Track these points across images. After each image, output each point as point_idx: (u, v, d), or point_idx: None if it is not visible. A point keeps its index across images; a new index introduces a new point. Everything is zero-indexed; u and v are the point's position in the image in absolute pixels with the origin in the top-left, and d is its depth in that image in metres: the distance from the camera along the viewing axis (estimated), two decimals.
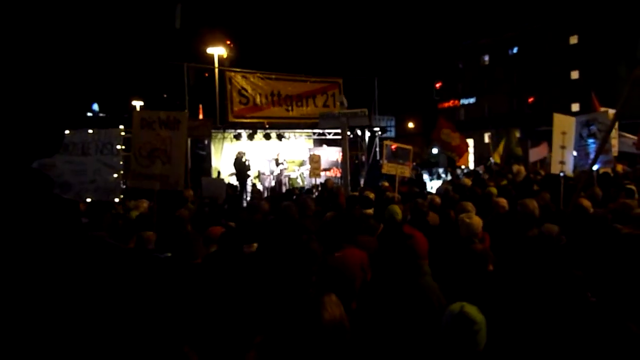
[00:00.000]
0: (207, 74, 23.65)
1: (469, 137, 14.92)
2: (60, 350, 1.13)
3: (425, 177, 19.55)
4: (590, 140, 7.68)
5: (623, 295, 3.22)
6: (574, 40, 40.03)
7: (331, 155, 16.51)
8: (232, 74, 14.97)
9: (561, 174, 7.65)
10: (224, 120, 14.80)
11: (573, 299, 2.91)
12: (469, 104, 48.93)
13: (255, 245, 4.48)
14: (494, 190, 7.52)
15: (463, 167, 17.71)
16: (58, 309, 1.11)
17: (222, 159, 15.34)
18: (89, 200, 7.71)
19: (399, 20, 67.15)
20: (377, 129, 17.57)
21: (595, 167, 7.42)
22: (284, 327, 2.33)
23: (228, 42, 29.82)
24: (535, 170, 13.96)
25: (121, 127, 7.94)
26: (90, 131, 7.80)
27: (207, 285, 3.39)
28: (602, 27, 35.72)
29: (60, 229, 1.14)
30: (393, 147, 9.72)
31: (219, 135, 15.16)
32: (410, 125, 53.31)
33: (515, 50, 44.92)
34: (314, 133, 16.65)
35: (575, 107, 35.89)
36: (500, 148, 17.66)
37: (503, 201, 6.17)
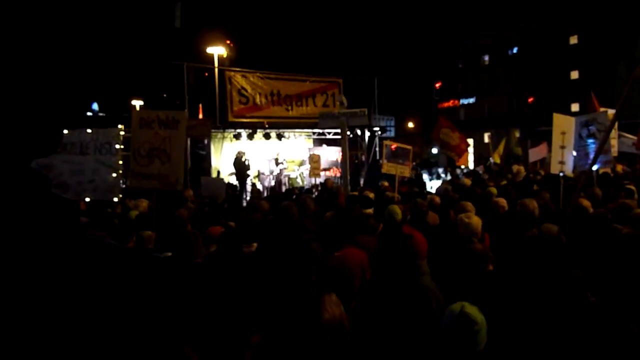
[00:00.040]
0: (207, 74, 23.64)
1: (469, 137, 14.90)
2: (59, 350, 1.12)
3: (425, 177, 19.55)
4: (590, 141, 7.67)
5: (623, 295, 3.22)
6: (573, 40, 40.04)
7: (331, 155, 16.51)
8: (232, 73, 14.97)
9: (561, 174, 7.65)
10: (223, 119, 14.80)
11: (573, 299, 2.91)
12: (468, 104, 48.94)
13: (255, 245, 4.48)
14: (493, 190, 7.52)
15: (463, 167, 17.70)
16: (56, 308, 1.11)
17: (221, 158, 15.34)
18: (87, 199, 7.71)
19: (398, 20, 67.16)
20: (376, 128, 17.58)
21: (594, 167, 7.42)
22: (284, 327, 2.33)
23: (228, 42, 29.84)
24: (535, 170, 13.96)
25: (120, 126, 7.94)
26: (89, 131, 7.80)
27: (207, 285, 3.38)
28: (601, 27, 35.73)
29: (58, 228, 1.14)
30: (393, 146, 9.72)
31: (219, 135, 15.16)
32: (410, 125, 53.33)
33: (515, 50, 44.92)
34: (314, 133, 16.66)
35: (575, 107, 35.90)
36: (501, 148, 17.66)
37: (503, 201, 6.17)
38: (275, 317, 2.62)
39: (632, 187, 6.83)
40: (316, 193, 11.97)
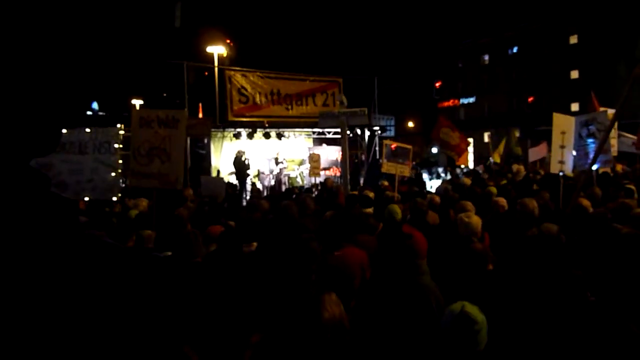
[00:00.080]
0: (206, 73, 23.60)
1: (469, 136, 14.87)
2: (59, 349, 1.12)
3: (425, 176, 19.54)
4: (590, 140, 7.67)
5: (622, 295, 3.22)
6: (573, 39, 40.03)
7: (331, 154, 16.51)
8: (232, 72, 14.96)
9: (560, 174, 7.65)
10: (223, 119, 14.80)
11: (572, 299, 2.91)
12: (468, 104, 48.94)
13: (255, 244, 4.48)
14: (493, 189, 7.52)
15: (463, 166, 17.70)
16: (56, 308, 1.11)
17: (221, 157, 15.34)
18: (86, 199, 7.72)
19: (398, 20, 67.17)
20: (376, 128, 17.58)
21: (594, 167, 7.42)
22: (284, 326, 2.33)
23: (228, 41, 29.82)
24: (535, 169, 13.96)
25: (119, 125, 7.94)
26: (88, 130, 7.80)
27: (207, 284, 3.38)
28: (601, 26, 35.72)
29: (57, 227, 1.14)
30: (393, 146, 9.72)
31: (219, 134, 15.15)
32: (410, 124, 53.32)
33: (515, 49, 44.91)
34: (314, 132, 16.66)
35: (574, 106, 35.89)
36: (501, 148, 17.66)
37: (502, 200, 6.17)
38: (275, 317, 2.62)
39: (632, 187, 6.83)
40: (316, 192, 11.97)
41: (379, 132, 17.73)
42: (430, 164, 28.12)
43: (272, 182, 15.04)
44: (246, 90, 14.85)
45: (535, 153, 15.76)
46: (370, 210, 5.48)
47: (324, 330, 2.16)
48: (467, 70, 49.09)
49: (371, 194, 6.79)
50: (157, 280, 3.25)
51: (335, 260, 3.70)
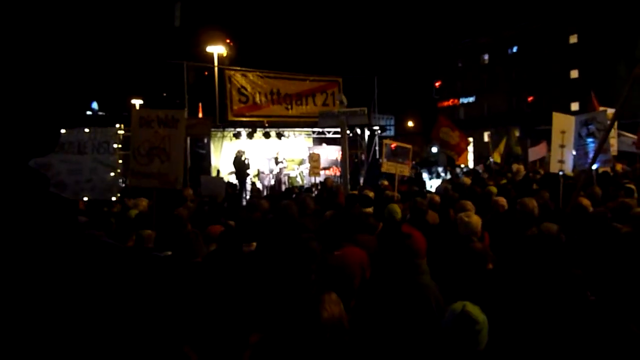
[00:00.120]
0: (206, 73, 23.59)
1: (468, 136, 14.82)
2: (58, 349, 1.12)
3: (425, 176, 19.54)
4: (589, 140, 7.67)
5: (622, 294, 3.22)
6: (573, 39, 40.03)
7: (330, 154, 16.51)
8: (232, 72, 14.96)
9: (560, 173, 7.65)
10: (223, 118, 14.79)
11: (572, 298, 2.91)
12: (468, 103, 48.94)
13: (255, 244, 4.48)
14: (493, 189, 7.52)
15: (462, 166, 17.70)
16: (55, 307, 1.11)
17: (221, 157, 15.33)
18: (85, 199, 7.72)
19: (398, 19, 67.16)
20: (376, 127, 17.58)
21: (594, 166, 7.42)
22: (283, 326, 2.33)
23: (227, 41, 29.81)
24: (535, 169, 13.97)
25: (117, 125, 7.95)
26: (87, 130, 7.81)
27: (207, 284, 3.38)
28: (601, 26, 35.72)
29: (56, 226, 1.14)
30: (392, 145, 9.71)
31: (219, 134, 15.15)
32: (410, 124, 53.31)
33: (514, 49, 44.91)
34: (314, 132, 16.66)
35: (574, 106, 35.87)
36: (501, 147, 17.65)
37: (502, 200, 6.16)
38: (274, 316, 2.62)
39: (632, 186, 6.83)
40: (316, 192, 11.98)
41: (379, 131, 17.73)
42: (430, 164, 28.10)
43: (272, 182, 15.04)
44: (246, 90, 14.84)
45: (535, 152, 15.76)
46: (370, 209, 5.48)
47: (323, 330, 2.16)
48: (466, 70, 49.08)
49: (371, 194, 6.80)
50: (157, 280, 3.25)
51: (335, 260, 3.70)
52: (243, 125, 14.88)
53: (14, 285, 1.02)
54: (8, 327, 1.02)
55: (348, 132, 12.69)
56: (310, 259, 3.27)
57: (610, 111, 7.90)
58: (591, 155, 6.55)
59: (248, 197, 13.36)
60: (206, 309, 2.99)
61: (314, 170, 12.56)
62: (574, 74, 40.04)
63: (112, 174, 7.67)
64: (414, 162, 16.43)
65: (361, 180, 14.95)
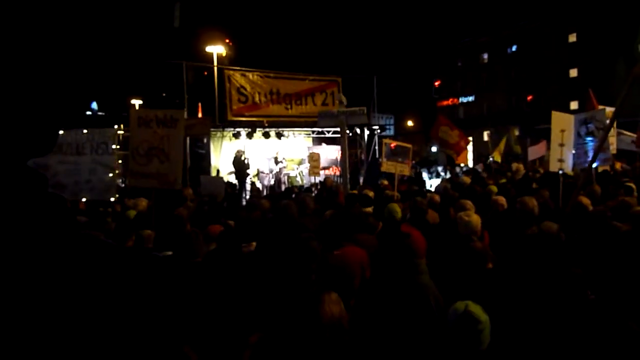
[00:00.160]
0: (206, 73, 23.57)
1: (468, 135, 14.81)
2: (58, 349, 1.12)
3: (425, 175, 19.52)
4: (589, 139, 7.67)
5: (622, 293, 3.22)
6: (572, 38, 40.04)
7: (330, 153, 16.51)
8: (231, 72, 14.96)
9: (560, 172, 7.65)
10: (223, 118, 14.79)
11: (572, 297, 2.91)
12: (467, 102, 48.96)
13: (255, 243, 4.48)
14: (493, 188, 7.52)
15: (462, 165, 17.68)
16: (54, 307, 1.10)
17: (221, 157, 15.34)
18: (84, 199, 7.72)
19: (397, 19, 67.13)
20: (376, 127, 17.58)
21: (594, 165, 7.41)
22: (283, 326, 2.33)
23: (227, 41, 29.78)
24: (534, 168, 13.96)
25: (116, 126, 7.96)
26: (85, 131, 7.81)
27: (206, 284, 3.38)
28: (600, 25, 35.71)
29: (54, 226, 1.13)
30: (392, 145, 9.71)
31: (218, 134, 15.15)
32: (410, 123, 53.31)
33: (514, 48, 44.93)
34: (313, 131, 16.65)
35: (574, 105, 35.87)
36: (501, 146, 17.65)
37: (502, 199, 6.16)
38: (274, 316, 2.62)
39: (632, 185, 6.83)
40: (316, 192, 11.98)
41: (379, 131, 17.74)
42: (429, 163, 28.07)
43: (272, 182, 15.04)
44: (245, 89, 14.84)
45: (535, 151, 15.76)
46: (370, 209, 5.48)
47: (323, 329, 2.16)
48: (466, 69, 49.10)
49: (371, 193, 6.80)
50: (156, 281, 3.24)
51: (335, 260, 3.69)
52: (242, 125, 14.87)
53: (13, 285, 1.02)
54: (7, 327, 1.02)
55: (348, 131, 12.68)
56: (310, 258, 3.27)
57: (610, 110, 7.90)
58: (591, 154, 6.56)
59: (248, 196, 13.36)
60: (206, 309, 2.99)
61: (314, 169, 12.56)
62: (573, 72, 40.06)
63: (111, 174, 7.67)
64: (413, 162, 16.43)
65: (361, 180, 14.93)
